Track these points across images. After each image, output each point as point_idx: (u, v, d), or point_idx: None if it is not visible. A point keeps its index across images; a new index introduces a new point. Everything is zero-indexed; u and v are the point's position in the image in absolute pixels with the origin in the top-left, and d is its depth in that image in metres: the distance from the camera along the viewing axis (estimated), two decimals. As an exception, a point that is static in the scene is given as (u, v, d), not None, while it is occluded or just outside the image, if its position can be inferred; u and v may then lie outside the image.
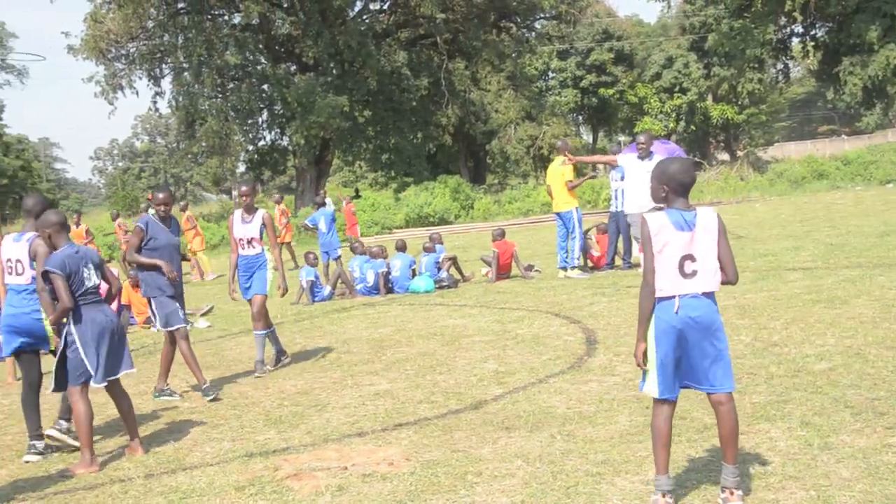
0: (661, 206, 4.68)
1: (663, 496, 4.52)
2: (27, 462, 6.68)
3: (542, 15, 46.63)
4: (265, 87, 40.04)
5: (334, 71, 39.39)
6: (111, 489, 5.75)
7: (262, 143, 43.59)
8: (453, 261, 15.59)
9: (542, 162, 50.51)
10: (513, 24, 45.90)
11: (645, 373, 4.62)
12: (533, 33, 48.81)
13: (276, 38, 40.63)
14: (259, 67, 39.86)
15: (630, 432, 5.88)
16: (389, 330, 11.25)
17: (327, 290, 15.34)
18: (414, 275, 15.29)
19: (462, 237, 28.61)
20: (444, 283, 14.96)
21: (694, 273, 4.49)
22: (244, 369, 9.61)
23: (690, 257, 4.49)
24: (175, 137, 62.45)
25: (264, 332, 9.46)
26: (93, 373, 6.36)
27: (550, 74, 65.36)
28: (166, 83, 40.90)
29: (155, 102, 65.82)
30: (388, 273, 15.16)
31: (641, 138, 13.63)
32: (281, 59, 40.40)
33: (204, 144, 40.45)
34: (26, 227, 7.20)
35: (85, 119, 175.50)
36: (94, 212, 51.03)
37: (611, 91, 62.34)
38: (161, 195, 8.54)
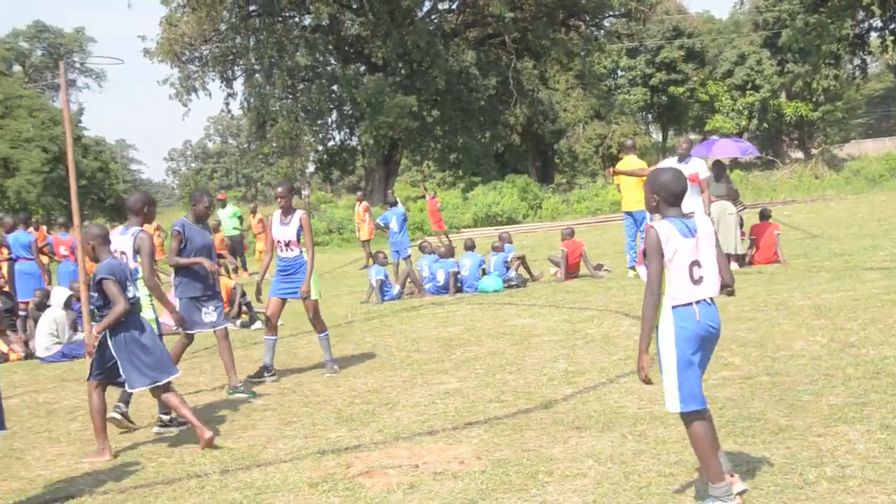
0: (692, 212, 4.70)
1: (737, 496, 4.49)
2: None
3: (611, 13, 46.26)
4: (335, 87, 40.36)
5: (403, 71, 39.56)
6: (188, 484, 5.86)
7: (331, 143, 43.96)
8: (522, 260, 15.56)
9: (611, 161, 50.08)
10: (581, 23, 45.61)
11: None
12: (602, 31, 48.44)
13: (345, 39, 40.94)
14: (329, 68, 40.21)
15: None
16: (459, 329, 11.27)
17: (396, 289, 15.43)
18: (483, 274, 15.30)
19: (530, 237, 28.53)
20: (513, 283, 14.94)
21: (701, 279, 4.56)
22: (316, 367, 9.70)
23: (697, 263, 4.56)
24: (246, 138, 63.31)
25: (325, 334, 9.41)
26: (125, 377, 6.67)
27: (619, 73, 64.74)
28: (238, 85, 41.49)
29: (227, 104, 66.75)
30: (458, 272, 15.20)
31: (682, 141, 13.41)
32: (350, 60, 40.71)
33: (274, 145, 40.93)
34: (131, 222, 7.85)
35: (159, 121, 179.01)
36: (168, 212, 52.03)
37: (681, 89, 61.50)
38: (204, 198, 8.84)
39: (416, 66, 39.47)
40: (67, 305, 12.42)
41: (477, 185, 40.40)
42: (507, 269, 15.23)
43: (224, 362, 8.74)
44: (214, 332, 8.67)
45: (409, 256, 16.72)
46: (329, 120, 42.37)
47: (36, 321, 12.55)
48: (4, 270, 14.25)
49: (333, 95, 40.65)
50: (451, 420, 6.85)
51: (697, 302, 4.54)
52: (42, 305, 12.92)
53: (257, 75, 39.41)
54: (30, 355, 12.18)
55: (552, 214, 36.38)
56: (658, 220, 4.68)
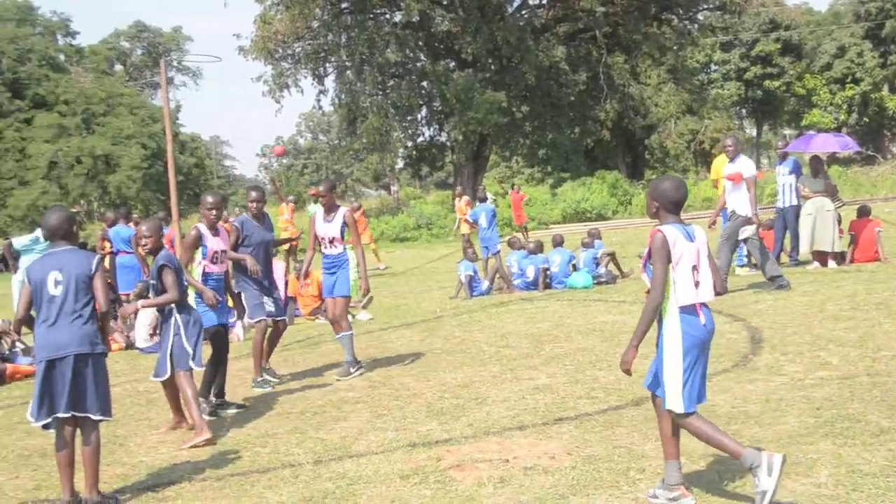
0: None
1: (766, 457, 4.50)
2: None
3: (705, 6, 45.42)
4: (424, 83, 40.55)
5: (492, 67, 39.54)
6: (282, 473, 5.98)
7: (420, 139, 44.19)
8: (612, 257, 15.44)
9: (703, 157, 49.29)
10: (674, 16, 44.89)
11: (660, 385, 4.87)
12: (695, 25, 47.60)
13: (435, 36, 41.09)
14: (419, 64, 40.41)
15: (799, 433, 5.70)
16: (548, 325, 11.24)
17: (485, 284, 15.45)
18: (573, 270, 15.22)
19: (620, 233, 28.27)
20: (603, 279, 14.83)
21: (699, 283, 4.75)
22: (406, 361, 9.78)
23: (696, 268, 4.74)
24: (336, 134, 64.12)
25: (348, 333, 9.33)
26: (192, 354, 7.07)
27: (713, 67, 63.61)
28: (329, 81, 41.98)
29: (318, 100, 67.81)
30: (548, 268, 15.15)
31: (728, 141, 12.98)
32: (440, 56, 40.85)
33: (364, 141, 41.33)
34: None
35: (252, 118, 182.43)
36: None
37: (776, 83, 60.15)
38: (254, 194, 9.04)
39: (506, 62, 39.40)
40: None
41: (566, 181, 40.18)
42: (597, 265, 15.12)
43: (262, 351, 9.04)
44: (275, 321, 9.07)
45: (499, 252, 16.71)
46: (418, 116, 42.59)
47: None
48: (107, 263, 14.72)
49: (423, 91, 40.84)
50: (541, 415, 6.85)
51: (701, 305, 4.73)
52: (142, 297, 13.28)
53: (348, 72, 39.82)
54: (130, 346, 12.56)
55: (642, 211, 35.95)
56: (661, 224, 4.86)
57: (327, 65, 41.40)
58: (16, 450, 7.32)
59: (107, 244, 15.01)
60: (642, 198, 37.09)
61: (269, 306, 8.92)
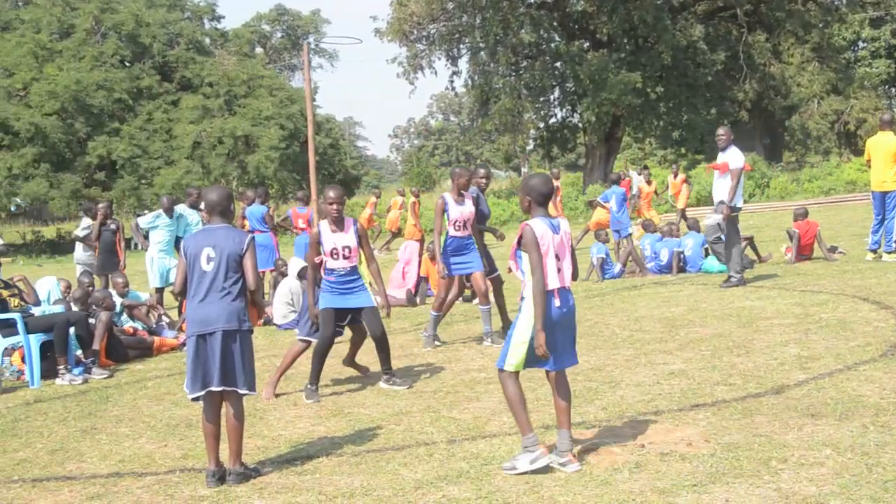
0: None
1: (545, 446, 5.45)
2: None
3: (854, -20, 43.46)
4: (558, 64, 40.17)
5: (627, 47, 38.88)
6: (417, 451, 6.07)
7: (552, 120, 43.89)
8: (750, 241, 15.03)
9: (848, 138, 47.33)
10: (821, -8, 43.11)
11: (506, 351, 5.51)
12: (843, 0, 45.63)
13: (570, 16, 40.63)
14: (553, 45, 40.05)
15: (954, 429, 5.44)
16: (682, 309, 11.04)
17: (618, 267, 15.27)
18: (707, 254, 14.90)
19: (757, 217, 27.47)
20: (740, 264, 14.45)
21: (560, 270, 5.46)
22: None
23: (559, 256, 5.46)
24: (468, 115, 64.27)
25: (487, 307, 9.98)
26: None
27: (860, 44, 60.81)
28: (463, 63, 42.13)
29: (452, 81, 67.97)
30: (682, 252, 14.87)
31: (721, 131, 12.54)
32: (575, 37, 40.40)
33: (496, 122, 41.30)
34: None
35: (385, 99, 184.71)
36: (390, 188, 53.73)
37: (930, 61, 57.07)
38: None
39: (642, 42, 38.67)
40: (300, 276, 13.11)
41: (700, 164, 39.20)
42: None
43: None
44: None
45: (630, 235, 16.50)
46: (551, 97, 42.26)
47: (274, 289, 13.31)
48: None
49: (556, 72, 40.50)
50: (677, 401, 6.74)
51: (559, 289, 5.42)
52: (284, 275, 13.66)
53: (482, 53, 39.81)
54: (268, 322, 12.93)
55: (780, 194, 34.81)
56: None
57: (461, 46, 41.51)
58: (164, 419, 7.65)
59: (246, 223, 15.47)
60: (781, 180, 35.91)
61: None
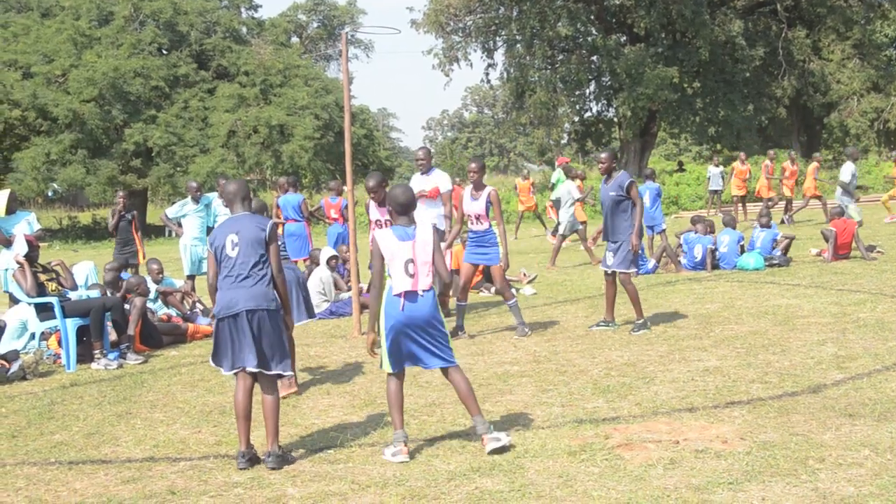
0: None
1: (405, 444, 5.76)
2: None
3: (897, -23, 42.80)
4: (594, 58, 39.93)
5: (665, 41, 38.59)
6: (449, 443, 6.06)
7: (587, 114, 43.69)
8: (790, 241, 14.90)
9: (888, 136, 46.69)
10: (864, -12, 42.49)
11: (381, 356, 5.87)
12: (885, -4, 44.93)
13: (607, 9, 40.37)
14: (589, 38, 39.82)
15: None
16: (717, 306, 10.95)
17: (651, 263, 15.17)
18: (742, 251, 14.77)
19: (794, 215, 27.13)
20: (775, 262, 14.32)
21: (414, 275, 5.76)
22: (570, 337, 9.74)
23: (413, 262, 5.76)
24: (502, 108, 64.12)
25: (513, 301, 10.10)
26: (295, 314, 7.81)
27: (902, 42, 59.95)
28: (499, 55, 42.05)
29: (487, 74, 67.87)
30: (716, 249, 14.75)
31: (422, 160, 11.03)
32: (612, 30, 40.13)
33: (531, 115, 41.15)
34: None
35: (419, 90, 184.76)
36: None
37: (974, 59, 56.13)
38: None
39: (679, 37, 38.37)
40: (329, 265, 13.16)
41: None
42: (774, 248, 14.62)
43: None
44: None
45: (664, 231, 16.38)
46: (587, 91, 42.04)
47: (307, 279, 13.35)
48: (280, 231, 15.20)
49: (592, 66, 40.29)
50: (712, 398, 6.69)
51: (406, 293, 5.74)
52: (317, 264, 13.69)
53: (518, 46, 39.66)
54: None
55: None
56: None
57: (497, 38, 41.35)
58: (197, 405, 7.70)
59: (279, 212, 15.49)
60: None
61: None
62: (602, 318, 10.16)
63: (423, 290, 5.78)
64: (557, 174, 22.60)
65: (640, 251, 14.84)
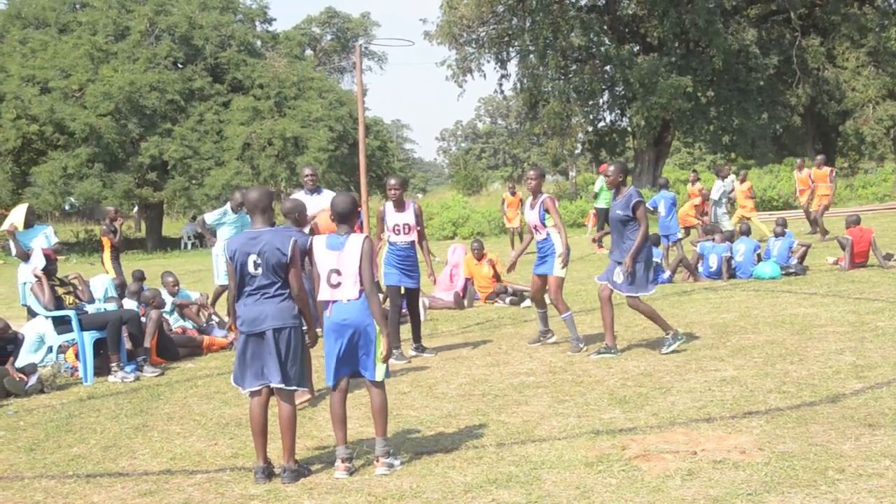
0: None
1: (343, 462, 5.81)
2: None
3: (912, -17, 42.65)
4: (607, 68, 39.91)
5: (678, 51, 38.53)
6: (466, 454, 6.05)
7: (601, 124, 43.62)
8: (807, 250, 14.83)
9: (904, 144, 46.47)
10: (878, -5, 42.33)
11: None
12: (900, 4, 44.73)
13: (621, 19, 40.36)
14: (603, 49, 39.81)
15: None
16: (733, 315, 10.91)
17: (667, 273, 15.12)
18: (758, 260, 14.71)
19: (807, 224, 27.01)
20: (792, 271, 14.26)
21: (338, 284, 5.82)
22: (587, 347, 9.70)
23: (337, 272, 5.82)
24: (515, 119, 64.14)
25: (568, 314, 9.84)
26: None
27: (918, 49, 59.63)
28: (512, 66, 42.00)
29: (500, 85, 67.93)
30: (732, 258, 14.69)
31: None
32: (625, 40, 40.11)
33: (545, 125, 41.13)
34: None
35: (432, 102, 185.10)
36: (437, 190, 53.78)
37: None
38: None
39: (693, 46, 38.31)
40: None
41: (750, 169, 38.74)
42: (790, 256, 14.55)
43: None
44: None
45: (680, 240, 16.34)
46: (600, 101, 41.98)
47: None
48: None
49: (606, 76, 40.26)
50: (730, 408, 6.66)
51: (333, 302, 5.83)
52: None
53: (531, 56, 39.67)
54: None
55: (833, 199, 34.25)
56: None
57: (510, 49, 41.38)
58: (214, 418, 7.71)
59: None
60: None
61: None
62: (604, 343, 9.36)
63: (348, 300, 5.80)
64: (600, 182, 22.55)
65: (658, 260, 14.94)
